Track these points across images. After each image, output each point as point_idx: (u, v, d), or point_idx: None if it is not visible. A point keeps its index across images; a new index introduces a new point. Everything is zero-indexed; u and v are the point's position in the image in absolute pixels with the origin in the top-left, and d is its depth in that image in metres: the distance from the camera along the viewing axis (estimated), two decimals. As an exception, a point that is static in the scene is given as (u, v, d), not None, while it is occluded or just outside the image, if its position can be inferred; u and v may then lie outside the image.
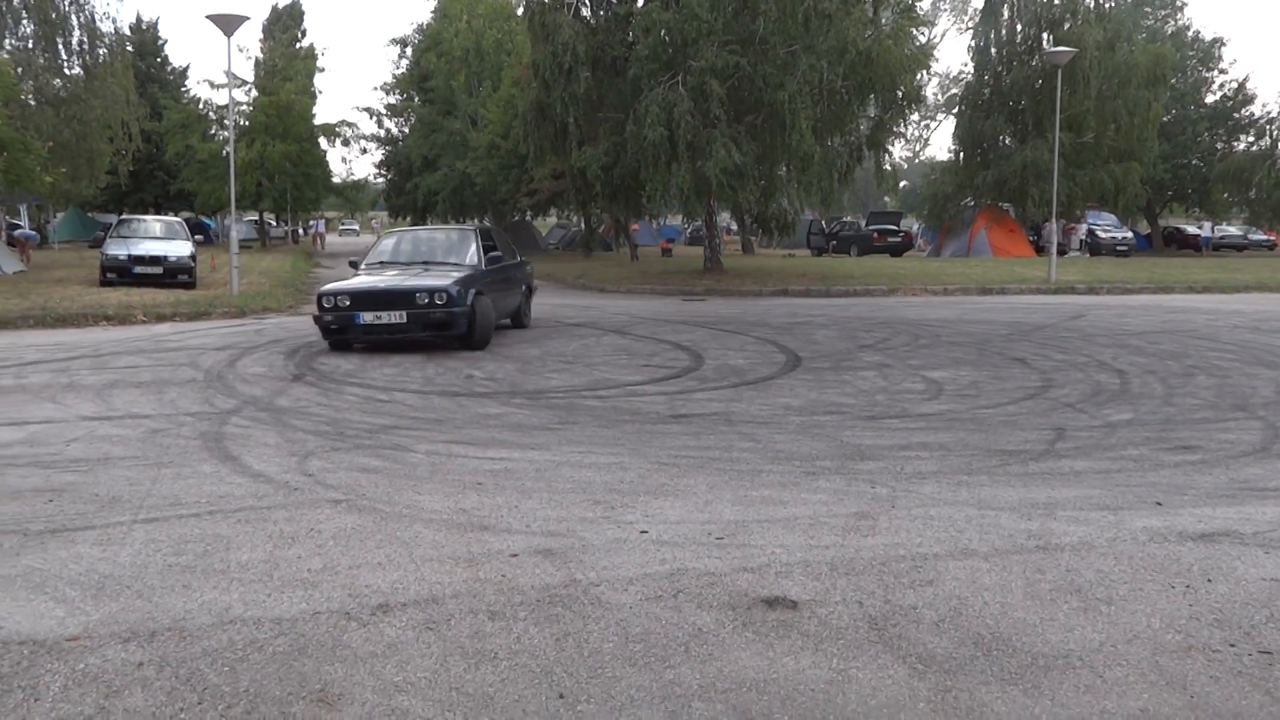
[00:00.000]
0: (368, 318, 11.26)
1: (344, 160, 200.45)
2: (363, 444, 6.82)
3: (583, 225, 36.94)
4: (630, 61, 20.91)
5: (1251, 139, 48.71)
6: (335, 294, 11.35)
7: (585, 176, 22.28)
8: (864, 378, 9.92)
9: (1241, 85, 49.99)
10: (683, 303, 18.79)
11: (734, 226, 44.72)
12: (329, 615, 3.91)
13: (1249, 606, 4.13)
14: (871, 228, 42.72)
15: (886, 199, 60.66)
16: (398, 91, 48.42)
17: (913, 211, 58.54)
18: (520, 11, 25.95)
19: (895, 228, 43.02)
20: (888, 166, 27.30)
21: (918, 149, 75.01)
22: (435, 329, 11.35)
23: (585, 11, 23.91)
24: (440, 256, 12.79)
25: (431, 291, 11.20)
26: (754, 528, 5.01)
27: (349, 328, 11.35)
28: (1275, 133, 46.58)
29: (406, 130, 48.41)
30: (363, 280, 11.99)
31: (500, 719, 3.15)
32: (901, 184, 66.44)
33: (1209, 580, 4.42)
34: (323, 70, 61.62)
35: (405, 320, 11.25)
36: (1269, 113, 47.86)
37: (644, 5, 21.97)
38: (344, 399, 8.52)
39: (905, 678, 3.46)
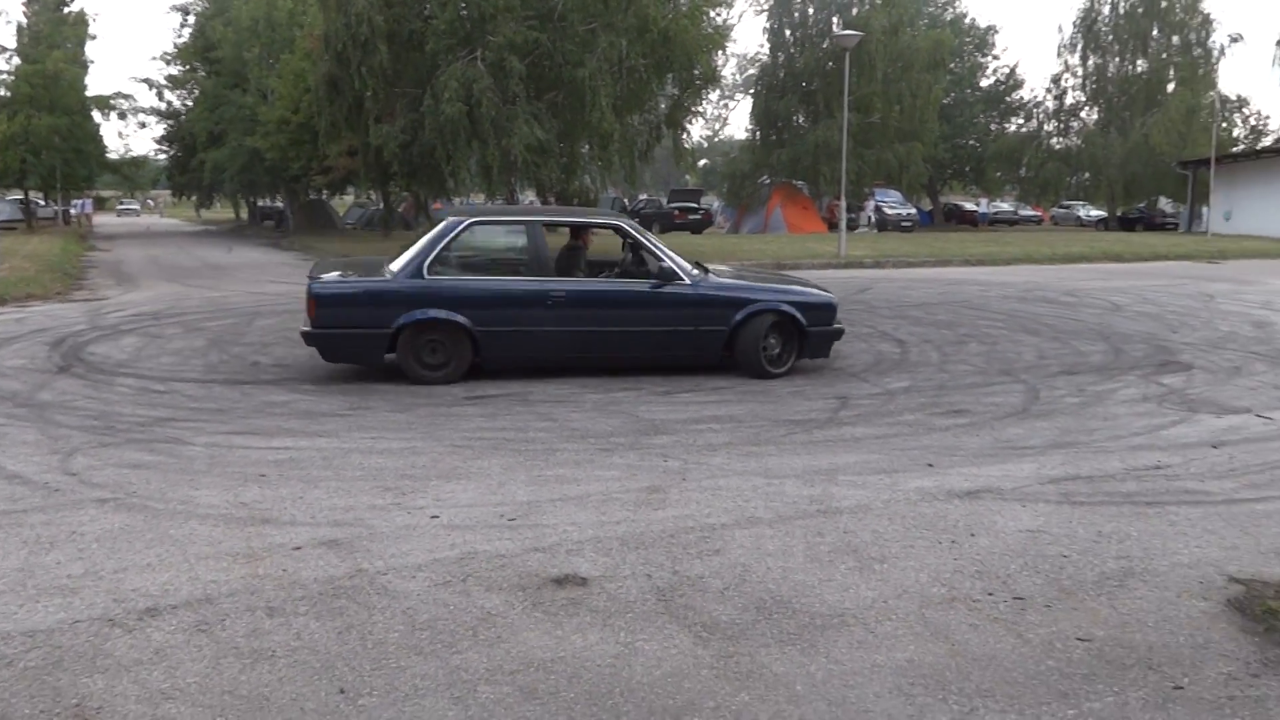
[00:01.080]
0: None
1: (121, 135, 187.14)
2: (134, 438, 6.42)
3: (382, 204, 36.02)
4: (428, 35, 20.45)
5: (1021, 121, 52.19)
6: None
7: (382, 154, 21.69)
8: (661, 353, 10.06)
9: (1012, 71, 53.65)
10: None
11: (538, 204, 44.58)
12: (89, 623, 3.66)
13: (1006, 557, 4.43)
14: (672, 205, 43.40)
15: (687, 177, 61.77)
16: (179, 62, 45.65)
17: (713, 189, 59.90)
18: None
19: (695, 205, 43.85)
20: (687, 145, 27.80)
21: (717, 128, 76.70)
22: None
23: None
24: None
25: None
26: (547, 507, 5.01)
27: None
28: (1041, 116, 50.06)
29: (190, 104, 45.76)
30: None
31: None
32: (701, 162, 67.86)
33: (972, 534, 4.72)
34: (95, 38, 57.15)
35: None
36: (1036, 97, 51.38)
37: (440, -22, 21.52)
38: (115, 391, 8.00)
39: (690, 646, 3.54)
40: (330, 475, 5.55)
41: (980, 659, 3.48)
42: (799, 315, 8.76)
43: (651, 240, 9.15)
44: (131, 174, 45.53)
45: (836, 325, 9.06)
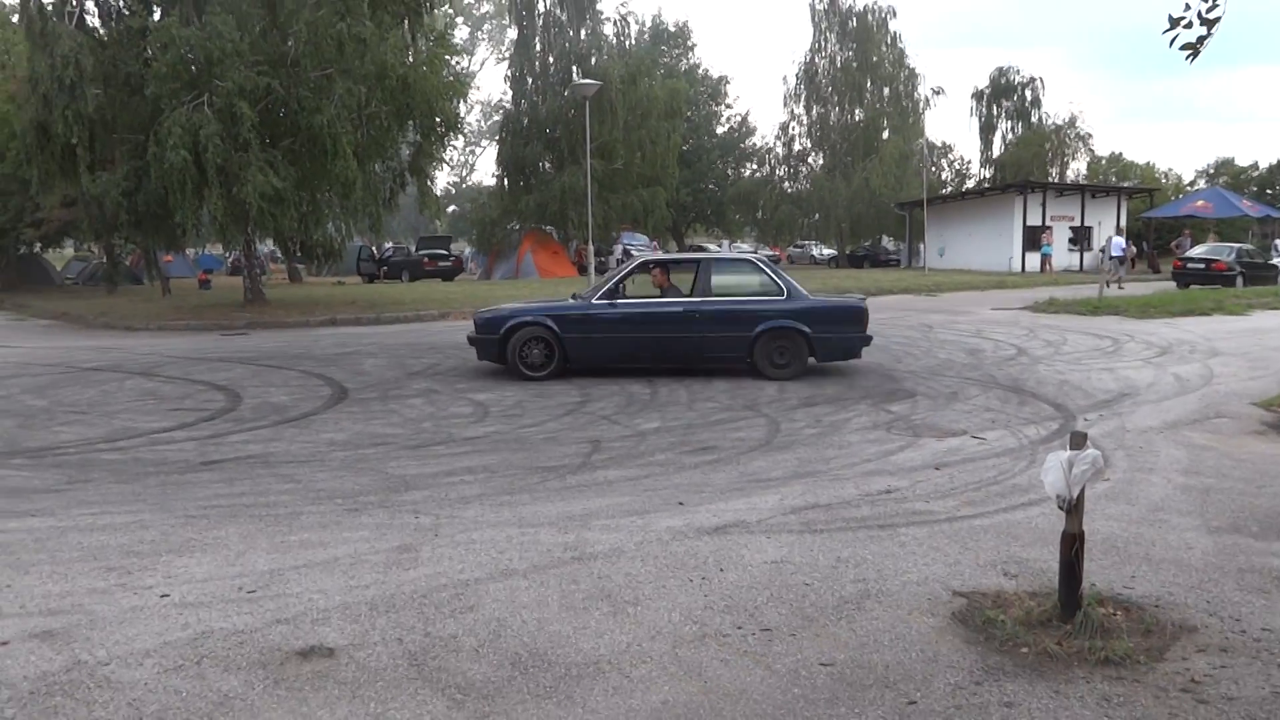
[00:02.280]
0: None
1: None
2: None
3: (104, 257, 33.52)
4: (148, 79, 19.26)
5: (755, 166, 55.02)
6: None
7: (102, 204, 20.19)
8: (412, 405, 9.85)
9: (744, 119, 56.42)
10: (221, 338, 17.60)
11: (280, 255, 42.87)
12: None
13: (753, 589, 4.58)
14: (422, 252, 42.81)
15: (436, 223, 61.16)
16: None
17: (463, 235, 59.59)
18: (15, 19, 22.98)
19: (445, 252, 43.42)
20: (436, 192, 27.52)
21: (464, 174, 76.41)
22: None
23: (94, 21, 21.73)
24: None
25: None
26: (290, 575, 4.76)
27: None
28: (773, 161, 52.97)
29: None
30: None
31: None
32: (450, 208, 67.41)
33: (721, 570, 4.85)
34: None
35: None
36: (767, 144, 54.27)
37: (161, 20, 20.33)
38: None
39: (445, 710, 3.44)
40: (44, 558, 5.05)
41: (731, 694, 3.56)
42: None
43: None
44: None
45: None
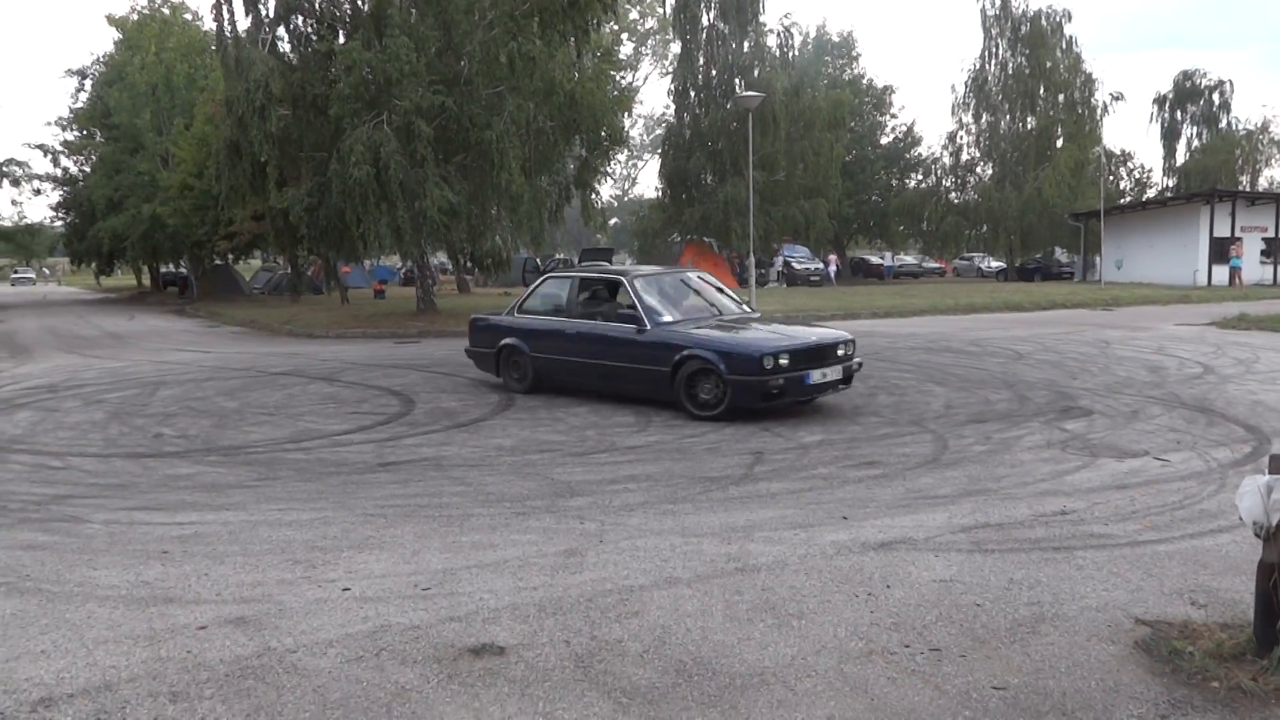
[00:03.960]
0: (815, 376, 9.63)
1: (14, 203, 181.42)
2: (29, 517, 6.16)
3: (289, 268, 35.45)
4: (332, 100, 20.33)
5: (920, 177, 53.83)
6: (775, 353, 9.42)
7: (288, 218, 21.40)
8: (576, 413, 10.04)
9: (910, 129, 55.18)
10: (395, 346, 18.36)
11: (450, 266, 44.40)
12: (-23, 717, 3.47)
13: (921, 608, 4.48)
14: (585, 264, 43.63)
15: (599, 236, 62.19)
16: (76, 127, 44.61)
17: (624, 248, 60.40)
18: (215, 46, 24.61)
19: (608, 264, 44.15)
20: (597, 205, 28.03)
21: (627, 187, 77.51)
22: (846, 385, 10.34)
23: (284, 47, 23.06)
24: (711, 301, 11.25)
25: (847, 343, 10.19)
26: (462, 575, 4.93)
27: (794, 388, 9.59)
28: (939, 171, 51.72)
29: (87, 169, 44.66)
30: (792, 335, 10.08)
31: (178, 812, 2.90)
32: (613, 221, 68.44)
33: (888, 586, 4.76)
34: (-14, 104, 55.77)
35: (840, 377, 10.00)
36: (933, 154, 53.09)
37: (345, 44, 21.43)
38: (8, 469, 7.68)
39: (610, 713, 3.49)
40: (237, 550, 5.38)
41: (899, 713, 3.49)
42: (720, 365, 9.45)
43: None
44: (26, 242, 44.15)
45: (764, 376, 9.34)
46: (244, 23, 21.90)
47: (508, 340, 11.40)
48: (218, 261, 40.61)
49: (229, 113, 21.63)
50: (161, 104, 35.03)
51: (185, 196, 30.74)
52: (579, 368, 10.78)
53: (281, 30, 22.64)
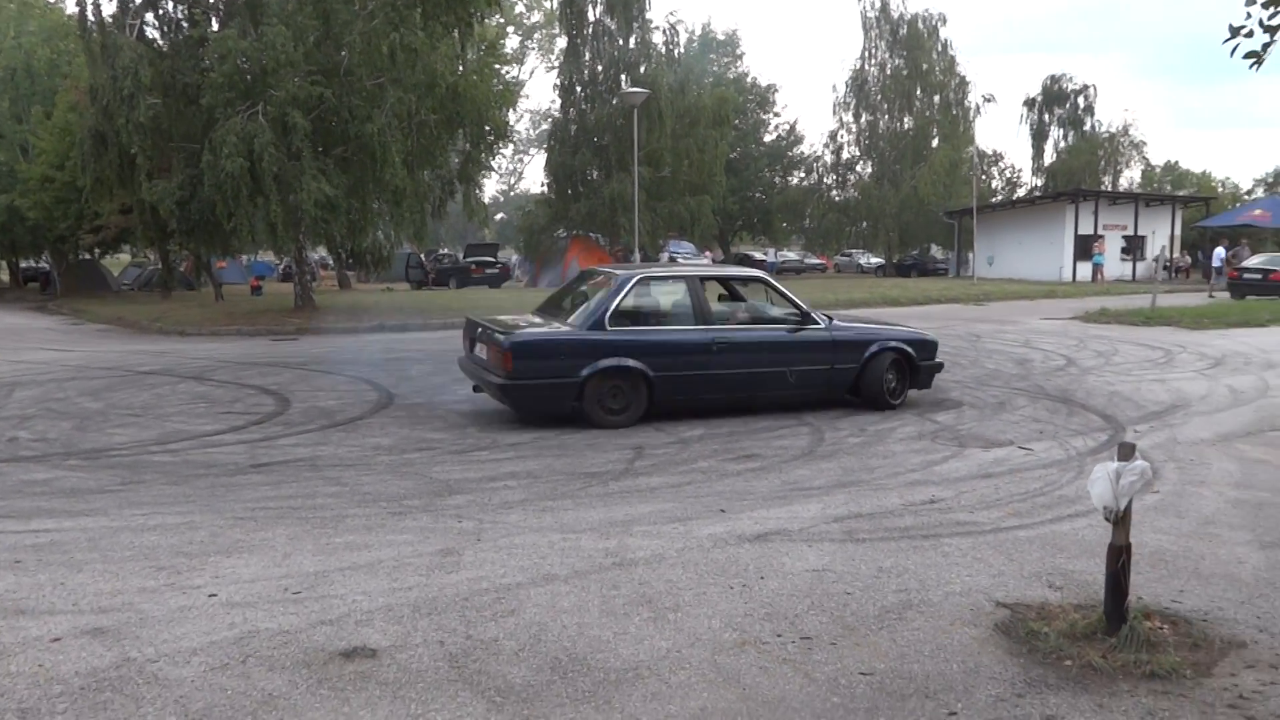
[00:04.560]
0: None
1: None
2: None
3: (160, 264, 34.21)
4: (204, 89, 19.64)
5: (802, 175, 54.86)
6: None
7: (158, 211, 20.62)
8: (456, 410, 9.94)
9: (792, 128, 56.20)
10: (272, 343, 17.87)
11: (330, 261, 43.46)
12: None
13: (794, 598, 4.56)
14: (469, 260, 43.18)
15: (484, 231, 61.64)
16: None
17: (509, 243, 60.03)
18: (78, 31, 23.55)
19: (493, 259, 43.77)
20: (486, 200, 27.79)
21: (512, 182, 76.96)
22: None
23: (152, 33, 22.20)
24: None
25: None
26: (335, 577, 4.83)
27: None
28: (821, 169, 52.79)
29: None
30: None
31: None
32: (498, 216, 67.95)
33: (762, 577, 4.84)
34: None
35: None
36: (815, 152, 54.13)
37: (218, 31, 20.73)
38: None
39: (484, 712, 3.47)
40: (96, 558, 5.16)
41: (770, 701, 3.55)
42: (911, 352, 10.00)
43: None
44: None
45: (938, 360, 10.42)
46: (109, 7, 21.07)
47: (609, 362, 8.81)
48: (84, 256, 38.88)
49: (94, 101, 20.74)
50: (21, 91, 33.34)
51: (46, 189, 29.33)
52: (730, 381, 9.33)
53: (150, 15, 21.81)
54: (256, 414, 9.88)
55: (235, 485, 6.82)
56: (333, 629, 4.19)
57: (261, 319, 22.03)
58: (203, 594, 4.60)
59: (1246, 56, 4.30)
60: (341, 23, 19.81)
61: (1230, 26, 4.27)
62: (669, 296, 9.77)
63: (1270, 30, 4.22)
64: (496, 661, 3.88)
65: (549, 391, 8.77)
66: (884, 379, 9.80)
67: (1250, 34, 4.25)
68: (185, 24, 21.65)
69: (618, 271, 9.84)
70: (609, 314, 8.98)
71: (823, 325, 9.81)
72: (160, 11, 21.94)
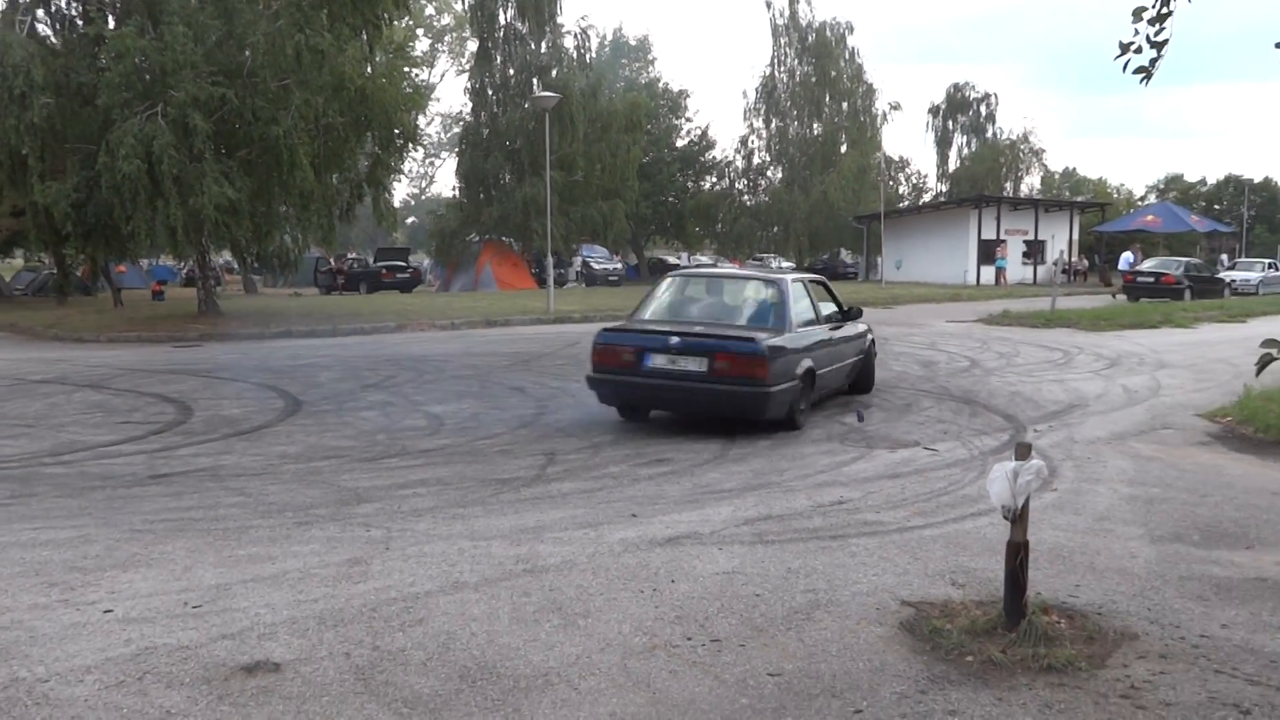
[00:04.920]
0: None
1: None
2: None
3: (55, 268, 33.03)
4: (101, 89, 19.02)
5: (714, 180, 55.31)
6: None
7: (51, 214, 19.89)
8: (366, 418, 9.79)
9: (704, 133, 56.58)
10: (174, 350, 17.39)
11: (236, 266, 42.47)
12: None
13: (704, 600, 4.59)
14: (379, 264, 42.57)
15: (395, 235, 60.84)
16: None
17: (421, 247, 59.34)
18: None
19: (404, 264, 43.22)
20: (396, 204, 27.42)
21: (424, 186, 76.13)
22: None
23: (45, 30, 21.44)
24: None
25: None
26: (237, 590, 4.71)
27: None
28: (732, 174, 53.31)
29: None
30: None
31: None
32: (409, 220, 67.15)
33: (673, 581, 4.86)
34: None
35: None
36: (727, 157, 54.62)
37: (115, 29, 20.10)
38: None
39: (391, 725, 3.41)
40: (-17, 575, 4.95)
41: (679, 704, 3.57)
42: None
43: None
44: None
45: None
46: (-1, 2, 20.29)
47: (806, 363, 9.04)
48: (-28, 260, 37.38)
49: (-18, 100, 19.93)
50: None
51: (-68, 190, 28.10)
52: (838, 375, 10.22)
53: (41, 12, 21.07)
54: (156, 423, 9.59)
55: (133, 497, 6.61)
56: (234, 643, 4.09)
57: (163, 325, 21.42)
58: (98, 610, 4.45)
59: (1137, 72, 4.44)
60: (245, 23, 19.37)
61: (1120, 43, 4.41)
62: (805, 299, 9.85)
63: (1156, 46, 4.37)
64: (404, 672, 3.83)
65: (786, 396, 8.66)
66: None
67: (1139, 50, 4.39)
68: (80, 21, 20.94)
69: (764, 275, 10.17)
70: (793, 317, 9.15)
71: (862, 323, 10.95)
72: (53, 8, 21.21)
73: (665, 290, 9.94)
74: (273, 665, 3.88)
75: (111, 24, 20.98)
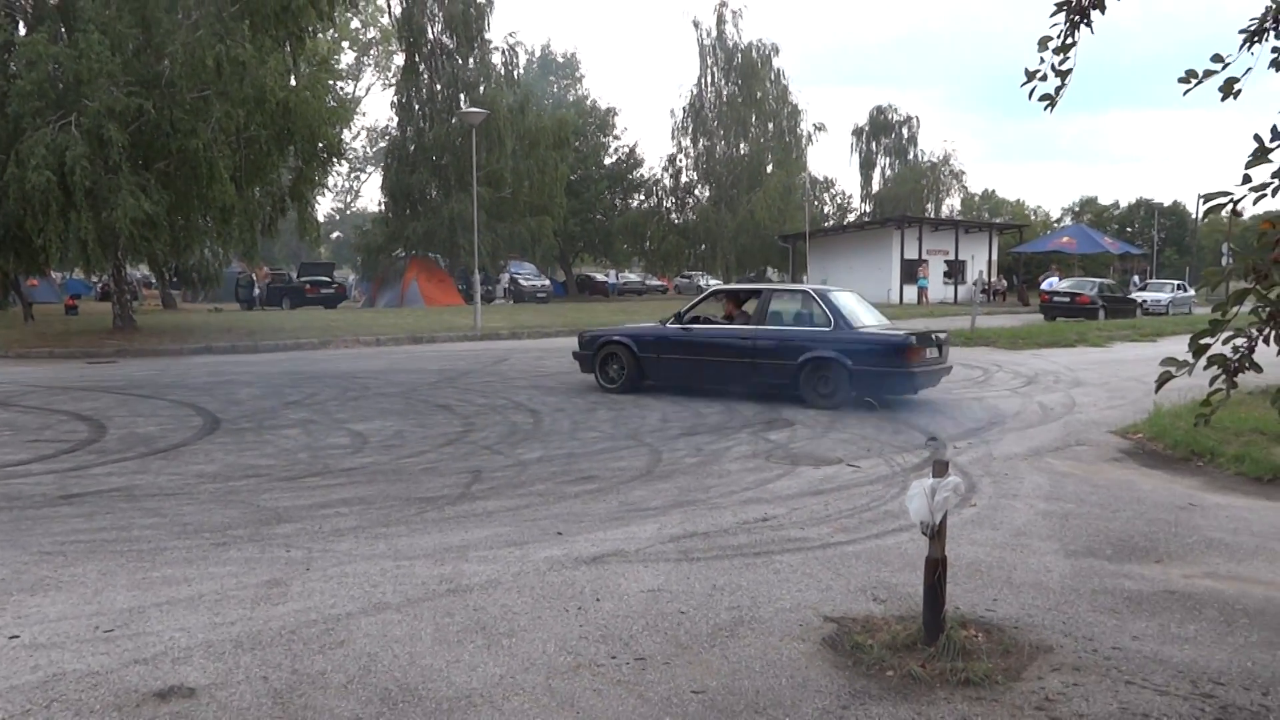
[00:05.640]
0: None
1: None
2: None
3: (-37, 281, 31.92)
4: (11, 97, 18.51)
5: (642, 197, 55.56)
6: None
7: (-43, 226, 19.28)
8: (287, 436, 9.62)
9: (632, 151, 56.87)
10: (88, 366, 16.91)
11: (154, 280, 41.48)
12: None
13: (629, 619, 4.59)
14: (304, 279, 41.94)
15: (320, 250, 60.03)
16: None
17: (346, 262, 58.62)
18: None
19: (328, 279, 42.64)
20: (320, 218, 27.08)
21: (349, 200, 75.21)
22: None
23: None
24: None
25: None
26: (151, 613, 4.58)
27: None
28: (660, 192, 53.59)
29: None
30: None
31: None
32: (334, 235, 66.28)
33: (598, 599, 4.84)
34: None
35: None
36: (654, 175, 54.92)
37: (27, 35, 19.59)
38: None
39: (309, 750, 3.34)
40: (-120, 600, 4.75)
41: (604, 723, 3.56)
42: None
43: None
44: None
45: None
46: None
47: None
48: None
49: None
50: None
51: None
52: None
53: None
54: (68, 442, 9.31)
55: (42, 518, 6.40)
56: (147, 668, 3.98)
57: (76, 340, 20.83)
58: (2, 636, 4.30)
59: (1042, 99, 4.57)
60: (163, 32, 19.04)
61: (1026, 70, 4.53)
62: None
63: (1061, 75, 4.50)
64: (323, 695, 3.76)
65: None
66: None
67: (1044, 78, 4.52)
68: (-13, 27, 20.34)
69: (818, 287, 12.56)
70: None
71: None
72: (-39, 13, 20.57)
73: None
74: (187, 690, 3.78)
75: (23, 30, 20.44)
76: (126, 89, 18.48)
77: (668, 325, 12.66)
